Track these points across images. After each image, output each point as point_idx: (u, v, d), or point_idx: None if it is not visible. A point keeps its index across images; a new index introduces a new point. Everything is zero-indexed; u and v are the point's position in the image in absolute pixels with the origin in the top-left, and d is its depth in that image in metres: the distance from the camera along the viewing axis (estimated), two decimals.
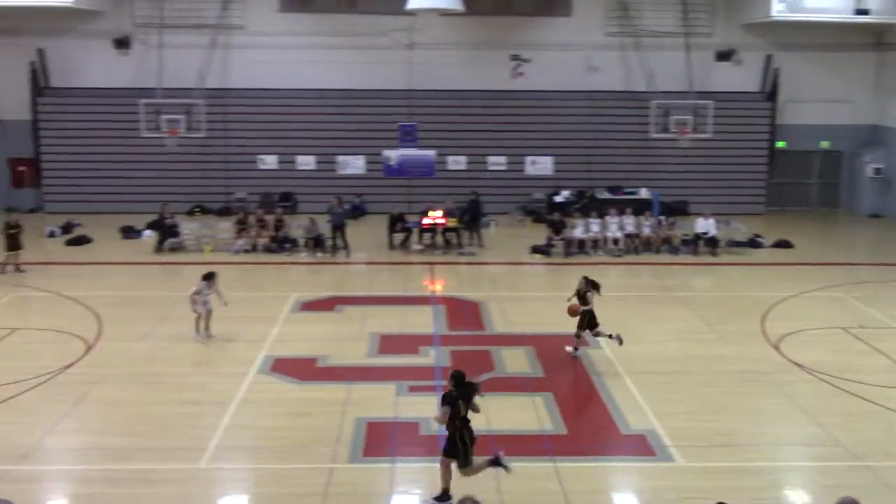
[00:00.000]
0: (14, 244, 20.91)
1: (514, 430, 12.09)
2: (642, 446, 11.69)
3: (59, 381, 13.86)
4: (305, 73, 28.66)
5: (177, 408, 12.74)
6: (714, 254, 23.53)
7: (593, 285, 15.07)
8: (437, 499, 10.06)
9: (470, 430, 10.01)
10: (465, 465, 9.97)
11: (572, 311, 14.96)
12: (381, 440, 11.78)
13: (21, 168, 29.39)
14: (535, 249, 23.59)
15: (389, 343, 15.86)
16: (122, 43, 28.69)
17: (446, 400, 9.97)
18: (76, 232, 25.47)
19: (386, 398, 13.20)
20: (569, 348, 15.33)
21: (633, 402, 13.15)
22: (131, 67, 28.70)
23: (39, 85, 28.80)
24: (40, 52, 28.70)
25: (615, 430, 12.27)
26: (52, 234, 25.10)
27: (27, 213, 28.43)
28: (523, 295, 19.58)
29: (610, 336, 14.94)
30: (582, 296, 15.04)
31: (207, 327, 16.05)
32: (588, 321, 15.04)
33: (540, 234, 24.53)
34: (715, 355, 15.41)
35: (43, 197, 28.99)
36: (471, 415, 10.13)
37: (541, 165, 29.62)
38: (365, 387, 13.67)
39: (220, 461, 11.13)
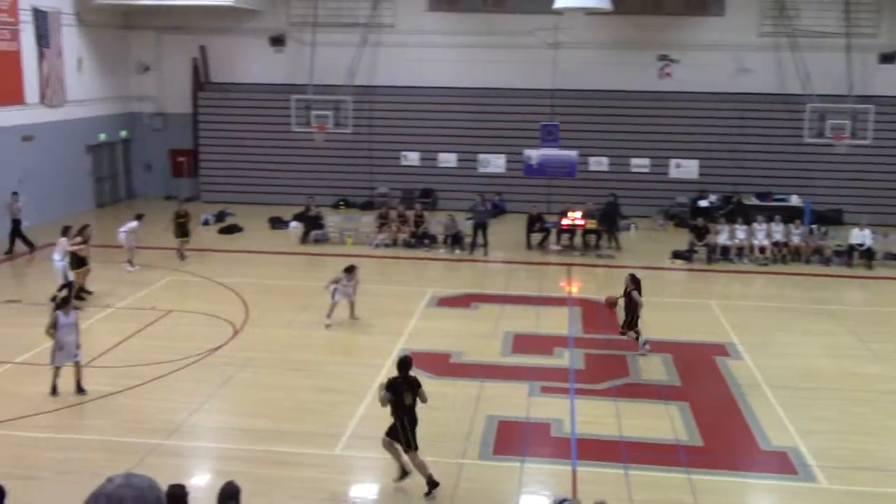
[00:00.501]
0: (182, 232, 21.98)
1: (646, 438, 11.82)
2: (783, 464, 11.20)
3: (208, 363, 14.54)
4: (450, 71, 28.97)
5: (315, 394, 13.13)
6: (869, 266, 22.27)
7: (637, 283, 15.20)
8: (397, 480, 10.31)
9: (412, 417, 10.05)
10: (408, 449, 10.07)
11: (610, 303, 15.40)
12: (511, 439, 11.76)
13: (181, 159, 31.04)
14: (676, 255, 23.00)
15: (523, 342, 15.82)
16: (278, 41, 29.83)
17: (389, 386, 10.03)
18: (228, 221, 26.68)
19: (518, 397, 13.18)
20: (643, 350, 15.22)
21: (774, 417, 12.62)
22: (285, 64, 29.80)
23: (200, 80, 30.31)
24: (202, 49, 30.19)
25: (755, 444, 11.81)
26: (206, 223, 26.36)
27: (184, 202, 30.02)
28: (662, 300, 19.10)
29: (643, 343, 15.19)
30: (628, 294, 15.14)
31: (353, 314, 16.65)
32: (633, 320, 15.19)
33: (681, 240, 23.90)
34: (868, 373, 14.58)
35: (199, 186, 30.49)
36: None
37: (685, 169, 28.85)
38: (497, 385, 13.69)
39: (354, 449, 11.40)
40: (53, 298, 16.01)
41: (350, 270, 16.62)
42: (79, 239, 18.06)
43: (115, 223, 23.27)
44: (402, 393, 10.04)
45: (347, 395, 13.16)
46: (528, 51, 28.40)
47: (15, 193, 22.23)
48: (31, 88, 24.97)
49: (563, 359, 15.03)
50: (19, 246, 22.06)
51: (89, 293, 18.06)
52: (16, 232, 22.10)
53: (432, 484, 10.12)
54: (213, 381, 13.71)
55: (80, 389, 12.93)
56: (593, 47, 28.62)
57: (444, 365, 14.56)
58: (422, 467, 10.18)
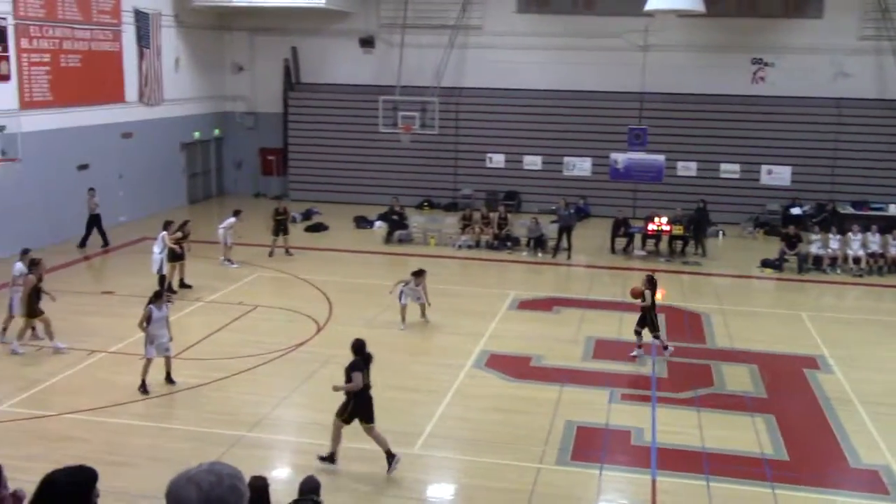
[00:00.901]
0: (283, 229, 22.31)
1: (730, 451, 11.57)
2: (875, 483, 10.81)
3: (291, 358, 14.83)
4: (538, 73, 28.85)
5: (395, 393, 13.24)
6: None
7: (652, 284, 15.10)
8: (322, 458, 10.65)
9: (366, 396, 10.56)
10: (340, 415, 10.60)
11: (634, 293, 15.27)
12: (590, 445, 11.66)
13: (270, 157, 31.73)
14: (766, 263, 22.41)
15: (605, 348, 15.66)
16: (367, 42, 30.22)
17: (357, 367, 10.51)
18: (315, 219, 27.15)
19: (598, 404, 13.06)
20: (664, 350, 15.15)
21: (866, 434, 12.19)
22: (373, 65, 30.17)
23: (291, 80, 30.92)
24: (293, 50, 30.80)
25: (844, 461, 11.43)
26: (293, 220, 26.82)
27: (273, 200, 30.66)
28: (750, 310, 18.67)
29: (665, 347, 15.11)
30: (641, 293, 15.07)
31: (424, 314, 16.69)
32: (650, 322, 15.02)
33: (772, 248, 23.28)
34: None
35: (288, 185, 31.10)
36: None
37: (777, 175, 28.10)
38: (577, 390, 13.59)
39: (433, 449, 11.47)
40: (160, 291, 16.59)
41: (418, 274, 16.64)
42: (179, 234, 18.65)
43: (206, 219, 23.98)
44: (358, 373, 10.55)
45: (426, 395, 13.26)
46: (617, 53, 28.10)
47: (91, 189, 22.63)
48: (131, 87, 25.87)
49: (646, 366, 14.82)
50: (94, 242, 22.67)
51: (188, 287, 18.63)
52: (93, 226, 22.60)
53: (391, 456, 10.50)
54: (296, 376, 13.98)
55: (169, 380, 13.35)
56: (684, 50, 28.12)
57: (524, 368, 14.53)
58: (381, 441, 10.57)
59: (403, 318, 16.49)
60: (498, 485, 10.45)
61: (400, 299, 16.50)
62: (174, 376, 13.40)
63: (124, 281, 19.22)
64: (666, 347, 15.22)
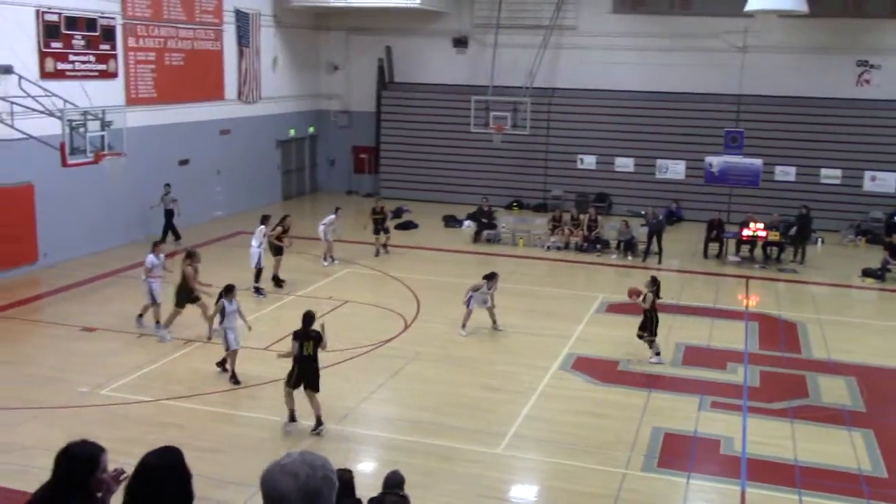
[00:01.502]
0: (380, 228, 22.40)
1: (824, 465, 11.19)
2: None
3: (379, 354, 15.01)
4: (632, 74, 28.44)
5: (480, 392, 13.28)
6: None
7: (655, 285, 14.88)
8: (287, 424, 11.66)
9: (308, 364, 11.53)
10: (287, 382, 11.66)
11: (631, 293, 15.25)
12: (677, 453, 11.46)
13: (363, 155, 32.16)
14: (867, 273, 21.58)
15: (695, 355, 15.36)
16: (461, 42, 30.34)
17: (296, 336, 11.56)
18: (405, 217, 27.39)
19: (687, 411, 12.81)
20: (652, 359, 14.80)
21: None
22: (466, 65, 30.26)
23: (385, 80, 31.27)
24: (388, 49, 31.14)
25: None
26: None
27: (364, 197, 31.11)
28: (849, 320, 18.03)
29: (657, 353, 14.78)
30: (637, 292, 14.85)
31: (495, 324, 16.34)
32: (651, 326, 14.70)
33: (874, 257, 22.41)
34: None
35: (379, 183, 31.47)
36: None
37: (882, 182, 27.00)
38: (665, 396, 13.36)
39: (517, 449, 11.45)
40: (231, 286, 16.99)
41: (491, 277, 16.36)
42: (279, 229, 19.04)
43: (300, 214, 24.41)
44: (303, 344, 11.50)
45: (512, 395, 13.23)
46: (714, 54, 27.50)
47: (167, 185, 22.73)
48: (230, 85, 26.59)
49: (737, 374, 14.47)
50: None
51: (281, 281, 19.03)
52: (168, 222, 22.82)
53: (319, 422, 11.55)
54: (383, 372, 14.13)
55: (223, 367, 13.75)
56: (785, 51, 27.31)
57: (611, 372, 14.37)
58: (316, 406, 11.59)
59: (465, 325, 16.09)
60: (582, 489, 10.37)
61: (468, 305, 16.13)
62: (249, 369, 13.70)
63: (221, 273, 19.65)
64: (658, 354, 14.84)
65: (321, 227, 21.06)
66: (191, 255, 15.72)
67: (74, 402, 12.46)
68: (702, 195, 27.60)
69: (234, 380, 13.40)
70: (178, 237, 22.96)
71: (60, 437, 4.82)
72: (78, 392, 12.84)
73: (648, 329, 14.92)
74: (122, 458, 4.56)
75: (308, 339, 11.58)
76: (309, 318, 11.71)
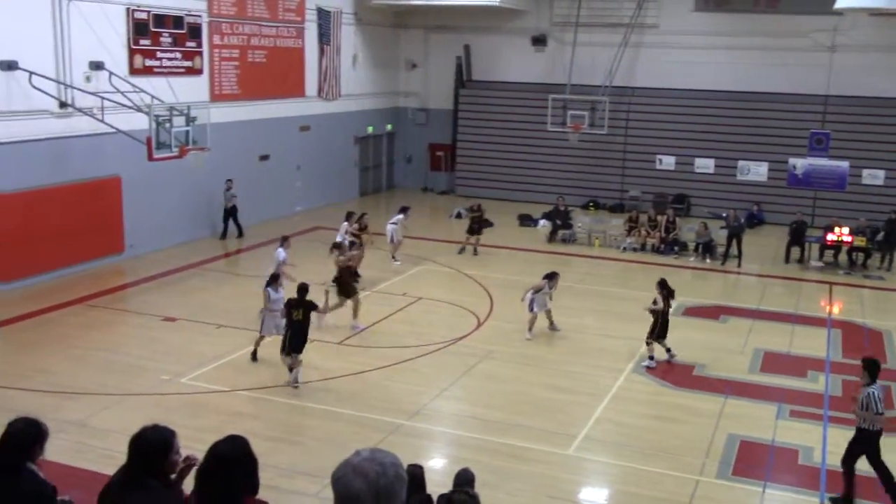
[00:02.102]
0: (475, 228, 22.18)
1: None
2: None
3: (451, 351, 15.06)
4: (714, 73, 27.88)
5: (552, 393, 13.21)
6: None
7: (664, 289, 14.50)
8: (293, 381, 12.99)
9: (298, 329, 12.93)
10: (283, 351, 13.06)
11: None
12: (753, 461, 11.21)
13: (439, 153, 32.29)
14: None
15: (774, 361, 14.99)
16: (539, 40, 30.19)
17: (288, 304, 13.06)
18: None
19: (764, 418, 12.52)
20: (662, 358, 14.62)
21: None
22: (544, 64, 30.11)
23: (462, 78, 31.34)
24: (466, 48, 31.19)
25: None
26: (458, 216, 27.22)
27: (440, 195, 31.25)
28: None
29: (668, 350, 14.64)
30: (654, 298, 14.69)
31: (552, 324, 16.14)
32: (659, 330, 14.51)
33: None
34: None
35: (455, 180, 31.56)
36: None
37: None
38: (742, 403, 13.08)
39: (587, 451, 11.36)
40: (276, 275, 17.19)
41: (552, 277, 16.09)
42: (356, 226, 19.27)
43: (375, 211, 24.65)
44: (291, 310, 12.89)
45: (584, 397, 13.13)
46: (801, 53, 26.77)
47: (229, 181, 22.70)
48: (311, 82, 27.00)
49: (818, 383, 14.07)
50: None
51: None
52: (229, 217, 22.94)
53: (296, 383, 12.95)
54: (455, 369, 14.18)
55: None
56: (876, 51, 26.41)
57: (686, 376, 14.14)
58: (297, 365, 13.02)
59: (531, 328, 15.83)
60: (654, 493, 10.23)
61: (531, 308, 15.81)
62: (314, 361, 13.87)
63: (299, 268, 20.03)
64: (672, 356, 14.60)
65: (389, 227, 21.09)
66: (338, 246, 16.49)
67: (156, 389, 12.83)
68: (784, 198, 26.93)
69: (254, 357, 14.10)
70: (240, 233, 23.10)
71: (142, 422, 4.98)
72: (160, 380, 13.22)
73: (658, 333, 14.58)
74: (199, 445, 4.69)
75: (300, 307, 12.92)
76: (303, 289, 13.14)
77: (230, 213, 22.93)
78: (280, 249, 16.60)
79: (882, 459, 9.99)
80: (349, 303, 16.10)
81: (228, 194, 22.80)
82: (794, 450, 11.54)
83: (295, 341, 12.98)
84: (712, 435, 11.84)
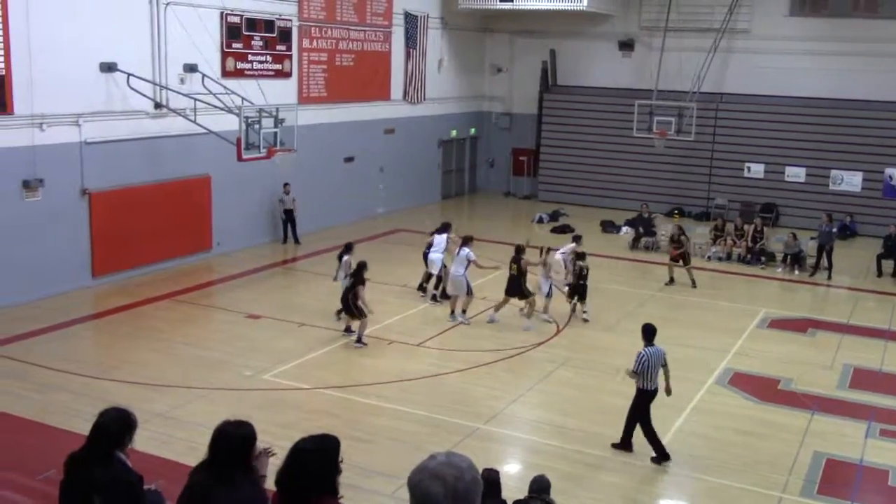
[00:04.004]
0: (679, 256, 20.30)
1: None
2: None
3: (530, 357, 15.01)
4: (808, 79, 27.09)
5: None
6: None
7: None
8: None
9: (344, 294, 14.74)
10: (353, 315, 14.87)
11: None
12: (840, 480, 10.87)
13: (522, 158, 32.21)
14: None
15: (865, 378, 14.48)
16: (627, 45, 29.85)
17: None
18: (561, 221, 27.24)
19: (852, 437, 12.11)
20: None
21: None
22: (631, 69, 29.74)
23: (548, 82, 31.20)
24: (552, 52, 31.04)
25: None
26: (540, 220, 27.14)
27: (522, 200, 31.17)
28: None
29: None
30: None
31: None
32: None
33: None
34: None
35: (537, 186, 31.43)
36: None
37: None
38: (829, 420, 12.68)
39: (666, 463, 11.15)
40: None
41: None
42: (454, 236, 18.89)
43: (457, 215, 24.71)
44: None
45: (664, 408, 12.87)
46: None
47: (286, 184, 22.10)
48: (396, 86, 27.26)
49: None
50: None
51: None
52: (288, 222, 22.58)
53: (359, 339, 14.74)
54: (533, 375, 14.13)
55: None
56: None
57: (771, 390, 13.78)
58: (360, 327, 14.81)
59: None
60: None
61: (468, 291, 16.63)
62: (383, 355, 13.97)
63: (378, 269, 20.19)
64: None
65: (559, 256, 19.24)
66: (521, 251, 16.60)
67: (239, 384, 13.13)
68: (879, 209, 26.00)
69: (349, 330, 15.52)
70: (297, 241, 22.62)
71: (224, 417, 5.11)
72: (243, 375, 13.53)
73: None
74: (279, 441, 4.78)
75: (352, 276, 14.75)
76: (361, 265, 14.70)
77: (288, 217, 22.58)
78: (466, 248, 16.64)
79: None
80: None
81: (288, 198, 22.35)
82: (885, 471, 11.13)
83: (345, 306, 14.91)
84: (797, 452, 11.52)
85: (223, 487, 4.80)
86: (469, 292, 16.75)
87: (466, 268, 16.60)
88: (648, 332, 11.21)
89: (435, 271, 17.98)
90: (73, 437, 8.80)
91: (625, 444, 11.20)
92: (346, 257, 15.99)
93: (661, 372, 11.08)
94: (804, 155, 27.37)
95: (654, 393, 11.01)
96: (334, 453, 4.32)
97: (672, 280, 20.14)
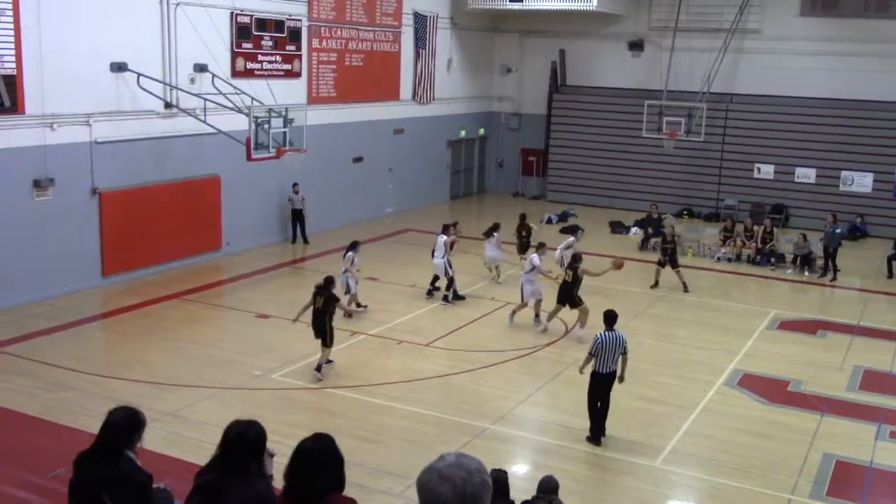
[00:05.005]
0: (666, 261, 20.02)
1: None
2: None
3: (539, 357, 15.00)
4: (817, 80, 26.97)
5: (640, 403, 13.00)
6: None
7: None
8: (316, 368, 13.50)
9: (317, 317, 13.49)
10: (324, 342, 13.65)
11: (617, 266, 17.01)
12: (850, 482, 10.83)
13: (531, 158, 32.19)
14: None
15: (875, 380, 14.42)
16: (636, 45, 29.79)
17: (315, 290, 13.62)
18: (570, 221, 27.19)
19: (862, 439, 12.05)
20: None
21: None
22: (641, 69, 29.68)
23: (557, 82, 31.16)
24: (561, 53, 31.00)
25: None
26: (548, 221, 27.10)
27: (530, 200, 31.13)
28: None
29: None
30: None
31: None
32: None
33: None
34: None
35: (546, 186, 31.40)
36: None
37: None
38: (839, 422, 12.63)
39: (675, 465, 11.15)
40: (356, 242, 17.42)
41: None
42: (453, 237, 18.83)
43: (466, 215, 24.71)
44: (316, 298, 13.47)
45: (673, 408, 12.90)
46: None
47: (295, 184, 22.13)
48: (405, 86, 27.27)
49: None
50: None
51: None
52: (297, 221, 22.60)
53: (319, 368, 13.42)
54: (542, 375, 14.12)
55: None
56: None
57: (780, 392, 13.73)
58: (322, 356, 13.55)
59: (538, 315, 16.56)
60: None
61: (522, 295, 16.57)
62: (412, 359, 13.96)
63: (387, 269, 20.28)
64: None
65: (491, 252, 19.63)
66: (577, 260, 16.38)
67: (248, 384, 13.16)
68: (890, 210, 25.90)
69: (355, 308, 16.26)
70: (305, 240, 22.68)
71: (233, 416, 5.12)
72: (252, 375, 13.55)
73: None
74: (288, 440, 4.79)
75: (321, 295, 13.44)
76: (328, 281, 13.71)
77: (297, 217, 22.67)
78: (535, 255, 16.64)
79: None
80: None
81: (297, 198, 22.39)
82: (895, 473, 11.08)
83: (317, 329, 13.58)
84: (807, 453, 11.48)
85: (237, 483, 4.83)
86: (447, 274, 17.60)
87: (444, 254, 17.59)
88: (608, 318, 11.72)
89: (441, 273, 17.96)
90: (83, 436, 8.84)
91: (593, 433, 11.54)
92: (349, 253, 16.28)
93: (620, 359, 11.52)
94: (814, 156, 27.27)
95: (608, 376, 11.47)
96: (334, 448, 4.40)
97: (657, 283, 19.96)
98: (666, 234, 20.23)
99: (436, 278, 18.15)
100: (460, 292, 18.18)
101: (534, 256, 16.60)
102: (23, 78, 16.00)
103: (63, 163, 16.91)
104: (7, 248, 16.18)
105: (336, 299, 13.83)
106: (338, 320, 15.96)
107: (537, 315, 16.60)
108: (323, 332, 13.54)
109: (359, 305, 16.88)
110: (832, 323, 17.75)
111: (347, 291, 16.58)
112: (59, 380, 13.05)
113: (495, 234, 19.20)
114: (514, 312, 16.71)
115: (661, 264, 19.85)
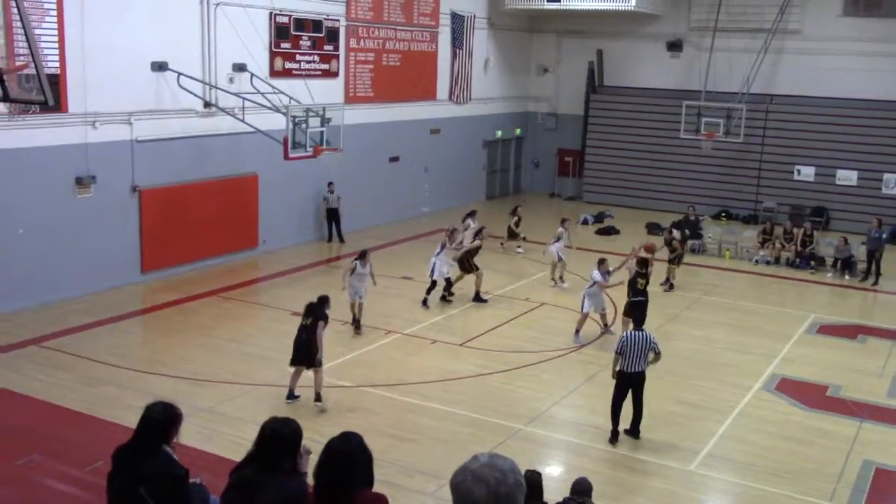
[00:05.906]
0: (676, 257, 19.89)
1: None
2: None
3: (573, 359, 14.94)
4: (860, 81, 26.53)
5: (676, 406, 12.90)
6: None
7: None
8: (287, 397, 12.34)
9: (300, 337, 12.17)
10: (309, 366, 12.26)
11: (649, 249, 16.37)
12: (890, 490, 10.67)
13: (567, 158, 32.06)
14: None
15: None
16: (675, 45, 29.54)
17: (305, 309, 12.39)
18: (606, 222, 27.06)
19: None
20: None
21: None
22: (679, 70, 29.42)
23: (594, 83, 31.00)
24: (599, 53, 30.84)
25: None
26: (585, 222, 26.97)
27: (567, 201, 31.01)
28: None
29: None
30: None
31: (605, 324, 16.24)
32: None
33: None
34: None
35: (582, 187, 31.25)
36: None
37: None
38: (879, 428, 12.43)
39: (710, 469, 11.04)
40: (365, 251, 16.75)
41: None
42: (478, 242, 18.74)
43: (500, 215, 24.63)
44: (305, 315, 12.27)
45: (708, 412, 12.78)
46: None
47: (330, 183, 22.21)
48: (442, 86, 27.29)
49: None
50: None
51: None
52: (332, 220, 22.65)
53: (319, 397, 12.22)
54: (576, 376, 14.06)
55: (356, 328, 15.57)
56: None
57: (818, 397, 13.54)
58: (316, 383, 12.24)
59: (578, 331, 15.76)
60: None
61: (582, 307, 15.73)
62: (449, 359, 13.95)
63: (422, 268, 20.27)
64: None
65: (554, 248, 19.55)
66: (646, 263, 16.03)
67: (283, 381, 13.22)
68: None
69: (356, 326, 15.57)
70: (341, 239, 22.69)
71: (268, 413, 5.17)
72: (286, 372, 13.62)
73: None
74: (323, 439, 4.81)
75: (310, 314, 12.26)
76: (322, 299, 12.49)
77: (332, 216, 22.75)
78: (595, 272, 15.98)
79: None
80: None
81: (332, 197, 22.44)
82: None
83: (303, 353, 12.16)
84: (845, 460, 11.31)
85: (271, 480, 4.88)
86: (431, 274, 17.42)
87: (438, 253, 17.50)
88: (636, 320, 12.54)
89: (446, 273, 17.67)
90: (121, 430, 8.97)
91: (613, 433, 11.59)
92: (356, 262, 15.54)
93: (650, 357, 11.64)
94: (856, 158, 26.84)
95: (634, 376, 11.49)
96: (362, 447, 4.44)
97: (669, 282, 19.78)
98: (667, 240, 19.85)
99: (445, 283, 17.94)
100: (483, 296, 18.04)
101: (594, 272, 15.92)
102: (66, 77, 16.26)
103: (104, 161, 17.16)
104: (50, 244, 16.45)
105: (324, 321, 12.29)
106: (373, 318, 16.02)
107: (578, 331, 15.88)
108: (309, 355, 12.09)
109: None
110: (873, 328, 17.47)
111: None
112: (97, 374, 13.24)
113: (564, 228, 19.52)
114: (580, 325, 15.98)
115: (673, 262, 19.67)
